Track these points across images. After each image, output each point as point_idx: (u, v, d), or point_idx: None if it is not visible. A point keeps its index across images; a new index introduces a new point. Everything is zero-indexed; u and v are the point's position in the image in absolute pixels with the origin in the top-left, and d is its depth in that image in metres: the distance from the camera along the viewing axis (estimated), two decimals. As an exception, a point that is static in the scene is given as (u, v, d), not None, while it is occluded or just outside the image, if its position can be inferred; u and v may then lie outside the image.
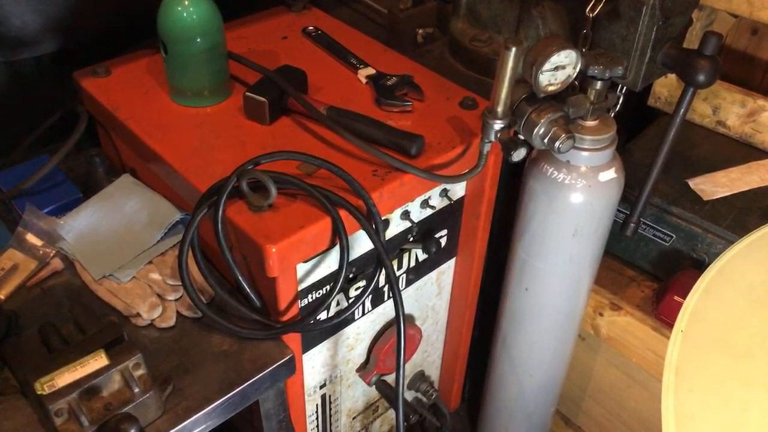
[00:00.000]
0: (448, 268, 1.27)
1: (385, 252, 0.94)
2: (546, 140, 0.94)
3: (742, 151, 1.38)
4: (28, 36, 1.13)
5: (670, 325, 1.20)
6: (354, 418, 1.32)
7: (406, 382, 1.39)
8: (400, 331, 0.98)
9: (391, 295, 1.13)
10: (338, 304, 1.06)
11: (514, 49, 0.86)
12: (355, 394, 1.27)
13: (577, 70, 0.93)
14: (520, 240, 1.15)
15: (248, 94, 1.05)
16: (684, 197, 1.26)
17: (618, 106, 1.05)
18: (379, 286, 1.13)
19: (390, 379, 1.26)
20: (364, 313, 1.14)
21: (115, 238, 1.02)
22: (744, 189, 1.28)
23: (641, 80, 0.99)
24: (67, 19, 1.16)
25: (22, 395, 0.85)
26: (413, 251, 1.15)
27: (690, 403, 0.82)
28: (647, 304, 1.28)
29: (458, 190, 1.13)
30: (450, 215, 1.16)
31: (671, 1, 0.93)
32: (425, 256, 1.17)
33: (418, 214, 1.09)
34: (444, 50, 1.35)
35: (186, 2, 1.01)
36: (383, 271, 0.97)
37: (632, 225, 1.14)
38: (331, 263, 0.99)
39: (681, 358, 0.85)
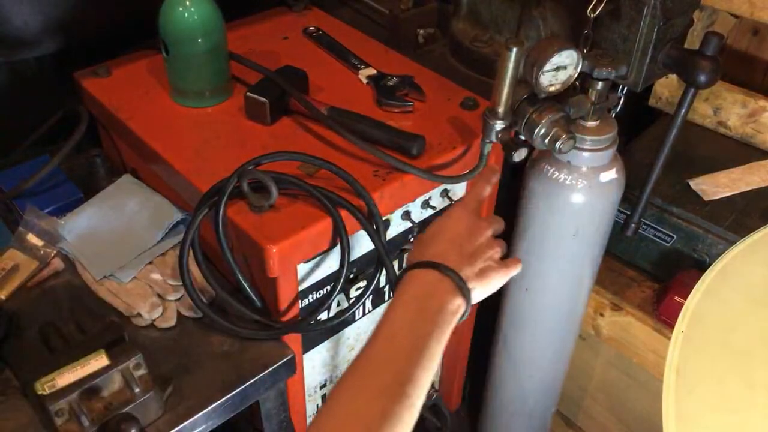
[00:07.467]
0: (449, 268, 1.26)
1: (386, 252, 0.94)
2: (547, 141, 0.94)
3: (743, 152, 1.38)
4: (29, 36, 1.13)
5: (670, 326, 1.20)
6: (354, 419, 1.32)
7: (407, 382, 1.39)
8: (400, 332, 0.98)
9: (391, 295, 1.12)
10: (339, 304, 1.06)
11: (515, 50, 0.86)
12: (356, 394, 1.27)
13: (578, 70, 0.93)
14: (521, 240, 1.15)
15: (249, 94, 1.05)
16: (685, 197, 1.26)
17: (619, 106, 1.05)
18: (380, 286, 1.13)
19: (390, 379, 1.26)
20: (364, 314, 1.14)
21: (116, 238, 1.02)
22: (745, 189, 1.28)
23: (642, 80, 0.99)
24: (68, 19, 1.16)
25: (22, 395, 0.85)
26: (414, 251, 1.14)
27: (690, 404, 0.82)
28: (648, 305, 1.28)
29: (459, 190, 1.13)
30: (451, 215, 1.16)
31: (672, 1, 0.93)
32: (426, 256, 1.17)
33: (418, 214, 1.09)
34: (445, 51, 1.35)
35: (187, 3, 1.01)
36: (384, 272, 0.98)
37: (633, 225, 1.14)
38: (331, 263, 0.99)
39: (682, 358, 0.85)
